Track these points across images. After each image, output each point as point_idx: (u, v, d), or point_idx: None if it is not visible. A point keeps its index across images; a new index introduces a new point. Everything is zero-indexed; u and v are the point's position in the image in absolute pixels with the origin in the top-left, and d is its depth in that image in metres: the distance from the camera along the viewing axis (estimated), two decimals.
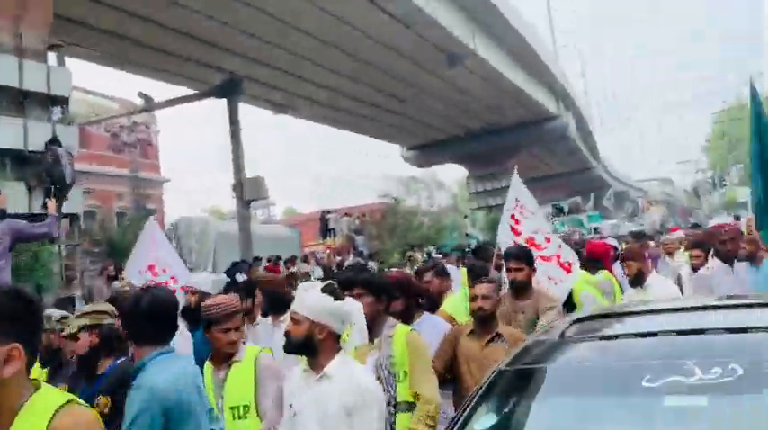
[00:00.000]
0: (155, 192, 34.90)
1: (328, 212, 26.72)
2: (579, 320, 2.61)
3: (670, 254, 8.21)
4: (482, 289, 3.46)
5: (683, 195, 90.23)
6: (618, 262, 8.97)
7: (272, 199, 50.69)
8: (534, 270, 4.25)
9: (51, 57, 10.55)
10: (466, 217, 32.17)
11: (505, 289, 4.81)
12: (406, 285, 3.81)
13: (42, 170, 9.52)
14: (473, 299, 3.48)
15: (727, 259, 4.98)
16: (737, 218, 11.57)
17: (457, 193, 57.21)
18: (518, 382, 2.23)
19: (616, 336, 2.35)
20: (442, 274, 5.06)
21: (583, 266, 6.13)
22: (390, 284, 3.51)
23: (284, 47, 16.58)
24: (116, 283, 10.58)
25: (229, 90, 17.74)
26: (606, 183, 53.95)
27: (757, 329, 1.99)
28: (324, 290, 2.52)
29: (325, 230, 25.39)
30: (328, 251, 22.06)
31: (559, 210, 38.62)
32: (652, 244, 10.83)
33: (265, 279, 5.80)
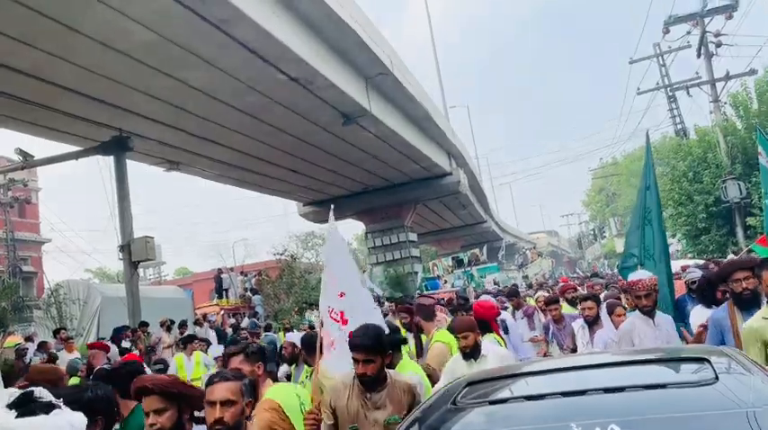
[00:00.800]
0: (33, 253, 32.63)
1: (222, 272, 26.03)
2: (471, 384, 2.64)
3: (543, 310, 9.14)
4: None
5: (568, 246, 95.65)
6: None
7: (163, 258, 48.74)
8: (389, 355, 3.63)
9: None
10: (364, 271, 32.27)
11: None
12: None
13: None
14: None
15: (646, 313, 5.03)
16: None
17: (356, 248, 57.59)
18: None
19: (506, 400, 2.40)
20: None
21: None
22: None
23: (173, 103, 16.23)
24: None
25: (117, 147, 17.06)
26: (498, 236, 56.23)
27: (632, 388, 2.10)
28: (12, 405, 1.98)
29: (220, 290, 24.66)
30: (222, 312, 21.37)
31: (459, 262, 39.73)
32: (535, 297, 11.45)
33: (38, 369, 5.24)
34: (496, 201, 67.53)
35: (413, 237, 34.53)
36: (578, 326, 6.88)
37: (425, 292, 21.08)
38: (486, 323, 5.57)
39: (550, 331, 8.11)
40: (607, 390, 2.09)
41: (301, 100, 17.64)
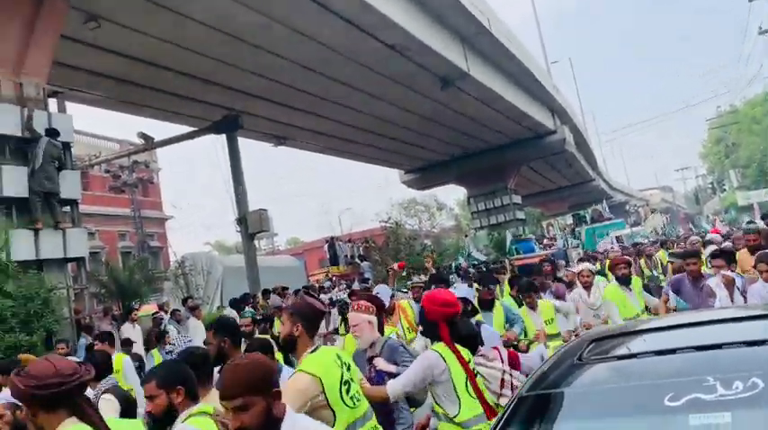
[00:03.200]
0: (158, 229, 35.05)
1: (334, 240, 26.76)
2: (596, 340, 2.63)
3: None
4: None
5: (684, 201, 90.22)
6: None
7: (274, 230, 50.85)
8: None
9: (52, 103, 10.69)
10: (466, 236, 32.12)
11: None
12: None
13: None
14: None
15: None
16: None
17: (458, 214, 57.30)
18: (539, 408, 2.24)
19: (634, 355, 2.37)
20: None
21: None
22: None
23: (279, 80, 16.77)
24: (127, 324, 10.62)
25: (228, 126, 17.92)
26: (607, 195, 53.98)
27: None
28: None
29: (335, 257, 25.37)
30: (334, 278, 22.07)
31: (581, 220, 37.70)
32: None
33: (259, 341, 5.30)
34: (604, 157, 64.79)
35: (517, 199, 33.89)
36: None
37: (515, 257, 19.73)
38: (432, 325, 3.65)
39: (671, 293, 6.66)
40: (747, 343, 2.02)
41: (399, 67, 17.66)
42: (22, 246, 9.18)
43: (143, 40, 13.20)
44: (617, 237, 26.12)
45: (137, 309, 12.27)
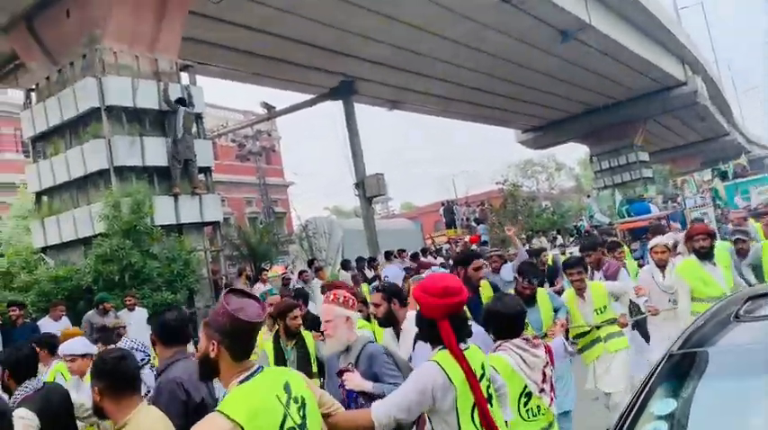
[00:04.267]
0: (281, 196, 36.67)
1: (449, 203, 26.74)
2: (754, 298, 2.47)
3: None
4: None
5: None
6: None
7: (389, 194, 51.59)
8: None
9: (184, 77, 11.35)
10: (588, 196, 30.90)
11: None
12: None
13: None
14: None
15: None
16: None
17: (579, 174, 55.24)
18: (692, 366, 2.13)
19: None
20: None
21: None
22: None
23: (392, 43, 16.77)
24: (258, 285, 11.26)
25: (344, 92, 18.23)
26: (744, 149, 49.74)
27: None
28: None
29: (452, 220, 25.38)
30: (450, 240, 22.11)
31: (723, 175, 34.72)
32: None
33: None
34: (741, 109, 59.60)
35: (643, 156, 32.09)
36: None
37: (621, 221, 17.72)
38: (430, 325, 2.67)
39: None
40: None
41: (515, 22, 17.05)
42: (164, 211, 9.94)
43: (263, 11, 13.62)
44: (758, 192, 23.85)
45: (267, 270, 12.97)
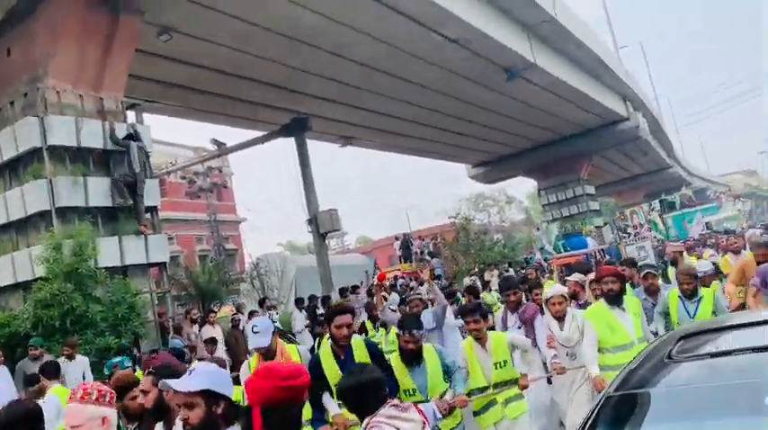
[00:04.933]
0: (232, 232, 36.15)
1: (405, 237, 26.81)
2: (685, 337, 2.53)
3: None
4: None
5: None
6: None
7: (344, 229, 51.46)
8: None
9: (131, 115, 11.20)
10: (538, 229, 31.50)
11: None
12: None
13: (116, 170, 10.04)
14: None
15: None
16: None
17: (529, 207, 56.35)
18: (628, 408, 2.16)
19: (728, 353, 2.26)
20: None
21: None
22: None
23: (343, 80, 16.95)
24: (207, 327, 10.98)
25: (296, 128, 18.27)
26: (685, 181, 51.73)
27: None
28: None
29: (408, 254, 25.43)
30: (403, 275, 22.12)
31: (670, 205, 35.61)
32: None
33: None
34: (681, 143, 62.21)
35: (590, 189, 32.98)
36: None
37: (556, 256, 16.86)
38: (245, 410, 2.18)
39: None
40: None
41: (462, 61, 17.49)
42: (108, 253, 9.66)
43: (212, 49, 13.61)
44: (706, 224, 24.52)
45: (215, 311, 12.69)
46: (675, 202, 35.64)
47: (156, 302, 10.80)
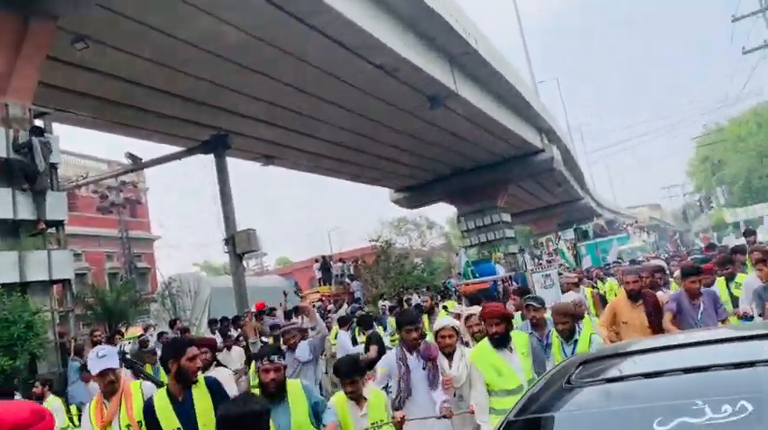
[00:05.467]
0: (146, 250, 34.79)
1: (324, 259, 26.64)
2: (585, 362, 2.60)
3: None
4: None
5: (672, 219, 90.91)
6: None
7: (263, 249, 50.66)
8: None
9: (39, 124, 10.61)
10: (457, 254, 32.11)
11: None
12: None
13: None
14: None
15: None
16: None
17: (449, 232, 57.40)
18: None
19: (623, 378, 2.34)
20: None
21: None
22: None
23: (267, 99, 16.82)
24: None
25: (217, 146, 17.87)
26: (595, 212, 54.29)
27: (764, 363, 1.99)
28: None
29: (328, 276, 25.24)
30: (322, 298, 21.95)
31: (584, 234, 37.33)
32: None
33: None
34: (592, 176, 65.32)
35: (506, 217, 33.97)
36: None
37: (471, 280, 16.84)
38: None
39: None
40: (735, 366, 2.00)
41: (387, 87, 17.75)
42: (6, 268, 9.06)
43: (131, 60, 13.20)
44: (618, 253, 25.67)
45: (122, 332, 12.12)
46: (589, 231, 37.54)
47: (58, 322, 10.19)
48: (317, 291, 24.67)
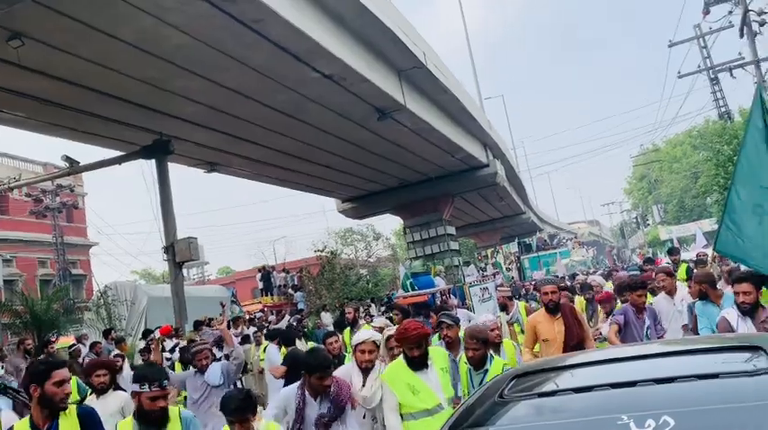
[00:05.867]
0: (81, 257, 33.58)
1: (266, 269, 26.36)
2: (518, 376, 2.62)
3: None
4: None
5: (611, 235, 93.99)
6: None
7: (205, 258, 49.63)
8: None
9: None
10: (402, 265, 32.26)
11: None
12: None
13: None
14: None
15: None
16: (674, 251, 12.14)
17: (395, 244, 57.62)
18: None
19: (553, 393, 2.36)
20: None
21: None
22: None
23: (211, 105, 16.51)
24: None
25: (158, 151, 17.43)
26: (538, 227, 55.57)
27: (684, 378, 2.05)
28: None
29: (269, 287, 24.97)
30: (265, 309, 21.66)
31: (527, 247, 38.29)
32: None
33: None
34: (535, 191, 66.85)
35: (451, 230, 34.37)
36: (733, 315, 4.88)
37: (410, 293, 16.52)
38: None
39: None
40: (658, 381, 2.05)
41: (335, 96, 17.72)
42: None
43: (70, 60, 12.74)
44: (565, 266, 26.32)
45: (53, 342, 11.63)
46: (532, 245, 38.53)
47: None
48: (260, 302, 24.35)
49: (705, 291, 5.92)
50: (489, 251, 40.52)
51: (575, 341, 5.71)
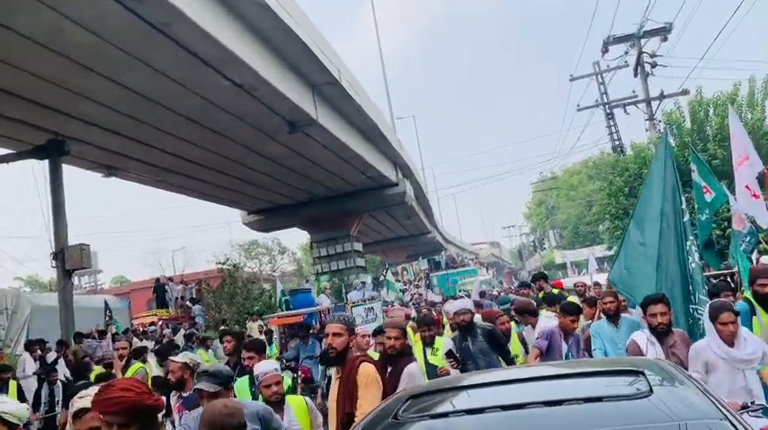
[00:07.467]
0: None
1: (164, 280, 25.39)
2: (414, 397, 2.62)
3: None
4: None
5: (510, 257, 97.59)
6: None
7: (99, 266, 47.08)
8: None
9: None
10: (307, 281, 31.98)
11: None
12: None
13: None
14: None
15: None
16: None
17: (300, 258, 57.07)
18: None
19: (446, 414, 2.38)
20: None
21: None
22: None
23: (112, 106, 15.70)
24: None
25: (52, 151, 16.37)
26: (442, 247, 56.79)
27: (570, 401, 2.12)
28: None
29: (163, 299, 24.03)
30: (161, 322, 20.78)
31: (437, 265, 38.82)
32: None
33: None
34: (441, 212, 68.48)
35: (358, 246, 34.49)
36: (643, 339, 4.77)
37: (283, 314, 15.19)
38: None
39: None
40: (546, 403, 2.11)
41: (246, 106, 17.40)
42: None
43: None
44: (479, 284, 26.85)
45: None
46: (441, 263, 39.36)
47: None
48: (154, 314, 23.34)
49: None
50: (399, 268, 40.98)
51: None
